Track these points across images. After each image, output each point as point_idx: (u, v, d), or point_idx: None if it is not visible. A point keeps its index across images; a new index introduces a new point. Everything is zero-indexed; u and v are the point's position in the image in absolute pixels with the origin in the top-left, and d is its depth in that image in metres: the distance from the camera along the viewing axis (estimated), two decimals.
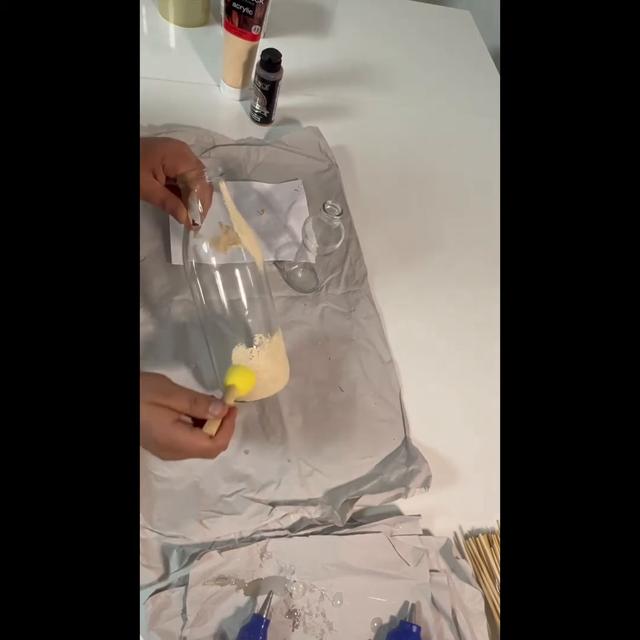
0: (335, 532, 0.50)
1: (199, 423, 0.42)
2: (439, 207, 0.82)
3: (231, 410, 0.43)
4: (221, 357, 0.51)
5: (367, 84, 0.93)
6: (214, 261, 0.50)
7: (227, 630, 0.45)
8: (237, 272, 0.51)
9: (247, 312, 0.51)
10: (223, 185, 0.49)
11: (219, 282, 0.51)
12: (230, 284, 0.51)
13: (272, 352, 0.51)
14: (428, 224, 0.79)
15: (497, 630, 0.50)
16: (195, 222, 0.49)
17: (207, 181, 0.49)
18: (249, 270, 0.51)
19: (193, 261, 0.51)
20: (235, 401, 0.46)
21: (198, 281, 0.51)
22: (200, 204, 0.49)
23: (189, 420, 0.42)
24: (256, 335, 0.50)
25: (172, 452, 0.41)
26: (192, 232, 0.50)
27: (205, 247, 0.50)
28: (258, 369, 0.49)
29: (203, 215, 0.50)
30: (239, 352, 0.49)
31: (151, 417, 0.39)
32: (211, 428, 0.41)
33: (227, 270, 0.51)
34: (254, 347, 0.50)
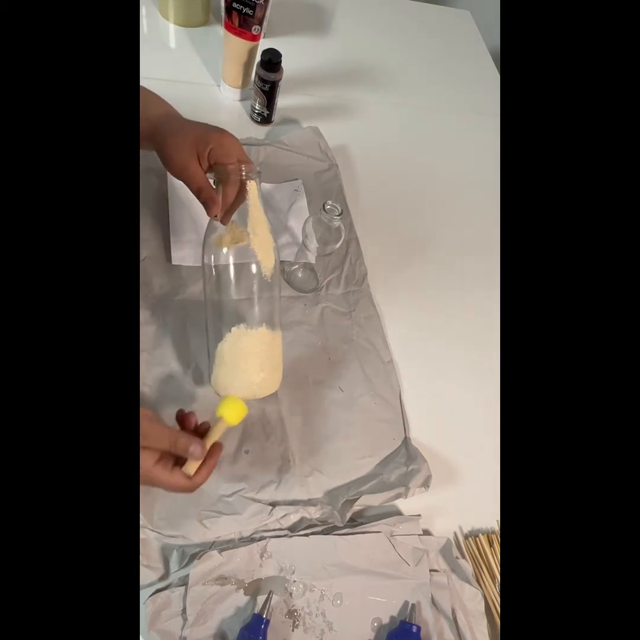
0: (335, 532, 0.50)
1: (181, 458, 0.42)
2: (439, 207, 0.82)
3: (215, 448, 0.43)
4: (211, 335, 0.51)
5: (367, 84, 0.93)
6: (222, 259, 0.50)
7: (227, 630, 0.45)
8: (239, 271, 0.50)
9: (248, 312, 0.50)
10: (252, 185, 0.48)
11: (224, 279, 0.50)
12: (236, 283, 0.50)
13: (251, 346, 0.49)
14: (428, 224, 0.79)
15: (497, 630, 0.50)
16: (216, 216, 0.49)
17: (242, 177, 0.48)
18: (254, 271, 0.50)
19: (212, 258, 0.50)
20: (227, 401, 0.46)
21: (207, 277, 0.51)
22: (222, 196, 0.49)
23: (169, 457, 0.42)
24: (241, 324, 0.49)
25: (152, 485, 0.42)
26: (212, 229, 0.50)
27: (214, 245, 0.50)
28: (233, 360, 0.49)
29: (229, 212, 0.49)
30: (238, 333, 0.48)
31: None
32: (190, 468, 0.41)
33: (234, 268, 0.50)
34: (251, 328, 0.49)
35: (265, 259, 0.49)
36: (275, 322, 0.51)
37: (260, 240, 0.49)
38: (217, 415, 0.45)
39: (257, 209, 0.49)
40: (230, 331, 0.48)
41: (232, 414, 0.45)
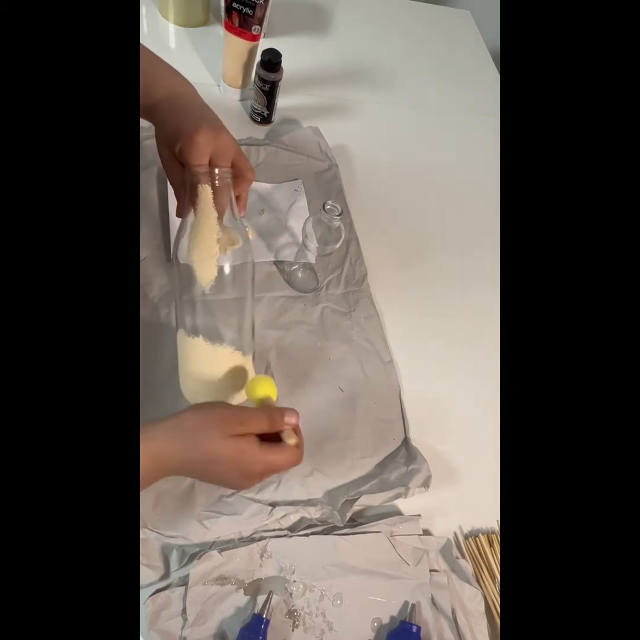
0: (335, 532, 0.50)
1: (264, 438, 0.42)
2: (439, 207, 0.82)
3: (294, 412, 0.44)
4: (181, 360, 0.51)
5: (367, 84, 0.93)
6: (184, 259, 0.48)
7: (227, 630, 0.45)
8: (186, 276, 0.48)
9: (185, 319, 0.49)
10: (204, 189, 0.45)
11: (178, 280, 0.49)
12: (182, 287, 0.49)
13: (191, 356, 0.49)
14: (428, 224, 0.79)
15: (497, 630, 0.50)
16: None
17: (216, 183, 0.46)
18: (237, 273, 0.49)
19: (180, 260, 0.49)
20: None
21: (178, 279, 0.50)
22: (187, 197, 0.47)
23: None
24: (226, 346, 0.49)
25: (265, 475, 0.42)
26: (184, 230, 0.48)
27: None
28: (182, 364, 0.50)
29: (181, 206, 0.48)
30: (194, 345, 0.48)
31: (240, 449, 0.39)
32: (294, 438, 0.42)
33: (181, 273, 0.48)
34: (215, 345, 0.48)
35: (199, 269, 0.47)
36: (217, 336, 0.49)
37: (198, 250, 0.46)
38: (259, 398, 0.45)
39: (204, 216, 0.45)
40: (177, 331, 0.50)
41: (271, 390, 0.46)
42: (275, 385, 0.47)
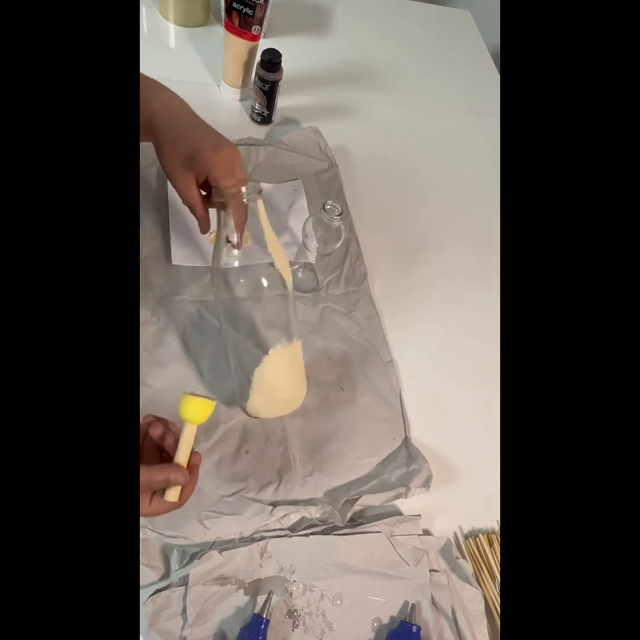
0: (335, 532, 0.50)
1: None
2: (439, 207, 0.82)
3: (193, 459, 0.40)
4: (237, 361, 0.51)
5: (367, 84, 0.93)
6: (234, 263, 0.49)
7: (227, 630, 0.45)
8: (255, 273, 0.50)
9: (282, 330, 0.51)
10: (260, 205, 0.48)
11: (247, 306, 0.50)
12: (263, 306, 0.50)
13: (288, 363, 0.51)
14: (428, 224, 0.79)
15: (497, 630, 0.50)
16: (229, 239, 0.48)
17: (244, 200, 0.47)
18: (279, 287, 0.50)
19: (226, 283, 0.50)
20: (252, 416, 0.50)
21: (224, 304, 0.51)
22: (234, 221, 0.48)
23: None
24: (275, 344, 0.49)
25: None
26: (224, 248, 0.48)
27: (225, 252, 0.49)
28: (274, 382, 0.50)
29: (239, 233, 0.48)
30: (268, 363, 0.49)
31: None
32: (173, 494, 0.39)
33: (247, 271, 0.50)
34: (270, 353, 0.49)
35: (286, 274, 0.50)
36: (292, 330, 0.52)
37: (279, 257, 0.49)
38: (181, 417, 0.41)
39: (268, 227, 0.49)
40: (267, 354, 0.49)
41: (194, 414, 0.40)
42: (209, 406, 0.41)
